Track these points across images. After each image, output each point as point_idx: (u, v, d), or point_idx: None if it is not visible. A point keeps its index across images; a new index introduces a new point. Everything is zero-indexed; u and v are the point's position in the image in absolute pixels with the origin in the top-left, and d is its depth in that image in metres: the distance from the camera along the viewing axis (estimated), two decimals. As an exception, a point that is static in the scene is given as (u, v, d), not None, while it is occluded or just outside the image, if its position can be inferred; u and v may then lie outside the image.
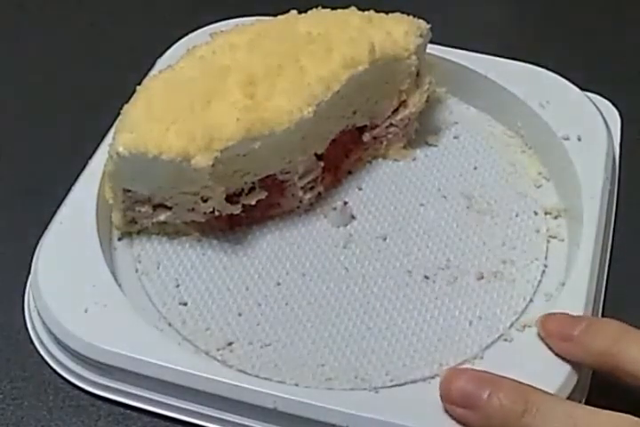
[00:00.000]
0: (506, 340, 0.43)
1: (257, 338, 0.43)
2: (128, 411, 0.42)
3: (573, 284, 0.43)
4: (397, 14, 0.50)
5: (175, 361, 0.40)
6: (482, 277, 0.46)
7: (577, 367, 0.40)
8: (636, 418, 0.35)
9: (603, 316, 0.45)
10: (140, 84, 0.46)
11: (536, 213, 0.49)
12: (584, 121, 0.51)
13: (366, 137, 0.51)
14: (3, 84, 0.59)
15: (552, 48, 0.62)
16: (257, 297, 0.45)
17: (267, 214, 0.49)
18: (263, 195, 0.47)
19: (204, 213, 0.46)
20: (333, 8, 0.49)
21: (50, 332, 0.42)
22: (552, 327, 0.40)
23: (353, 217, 0.49)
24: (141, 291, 0.46)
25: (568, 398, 0.39)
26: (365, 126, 0.51)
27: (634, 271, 0.48)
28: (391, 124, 0.51)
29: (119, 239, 0.48)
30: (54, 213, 0.47)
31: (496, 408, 0.36)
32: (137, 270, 0.47)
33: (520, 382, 0.37)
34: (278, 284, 0.46)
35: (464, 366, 0.42)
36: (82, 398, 0.42)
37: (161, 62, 0.54)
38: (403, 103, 0.51)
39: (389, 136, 0.52)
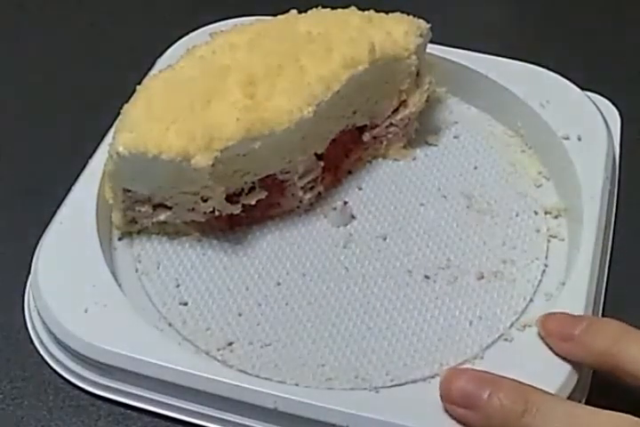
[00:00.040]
0: (506, 340, 0.43)
1: (257, 338, 0.43)
2: (128, 411, 0.42)
3: (574, 283, 0.43)
4: (397, 14, 0.50)
5: (175, 361, 0.40)
6: (482, 277, 0.46)
7: (577, 367, 0.40)
8: (636, 418, 0.35)
9: (603, 316, 0.45)
10: (139, 83, 0.46)
11: (536, 213, 0.49)
12: (584, 121, 0.51)
13: (366, 137, 0.51)
14: (3, 84, 0.59)
15: (552, 48, 0.62)
16: (257, 297, 0.45)
17: (267, 214, 0.49)
18: (263, 195, 0.47)
19: (204, 212, 0.46)
20: (333, 8, 0.49)
21: (50, 332, 0.42)
22: (552, 327, 0.40)
23: (353, 217, 0.49)
24: (141, 291, 0.46)
25: (568, 398, 0.39)
26: (365, 126, 0.51)
27: (634, 271, 0.48)
28: (391, 124, 0.51)
29: (119, 239, 0.48)
30: (54, 213, 0.47)
31: (496, 408, 0.36)
32: (137, 270, 0.47)
33: (520, 382, 0.37)
34: (278, 284, 0.46)
35: (464, 365, 0.42)
36: (82, 398, 0.42)
37: (161, 62, 0.54)
38: (403, 103, 0.51)
39: (389, 136, 0.52)
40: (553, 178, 0.51)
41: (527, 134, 0.53)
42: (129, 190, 0.45)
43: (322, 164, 0.49)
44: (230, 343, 0.43)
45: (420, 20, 0.49)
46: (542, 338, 0.41)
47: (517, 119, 0.53)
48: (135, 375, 0.40)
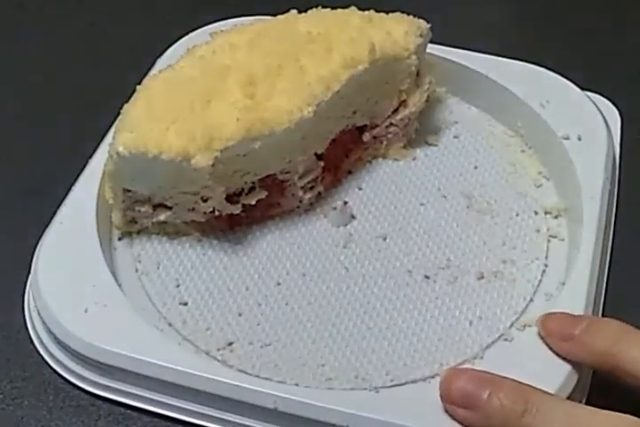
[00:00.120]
0: (506, 340, 0.43)
1: (257, 338, 0.43)
2: (128, 411, 0.42)
3: (574, 283, 0.43)
4: (397, 14, 0.50)
5: (175, 361, 0.40)
6: (482, 277, 0.46)
7: (577, 367, 0.40)
8: (635, 418, 0.35)
9: (603, 315, 0.45)
10: (139, 83, 0.46)
11: (536, 213, 0.49)
12: (584, 121, 0.51)
13: (366, 137, 0.51)
14: (3, 84, 0.59)
15: (552, 48, 0.62)
16: (257, 297, 0.45)
17: (267, 214, 0.49)
18: (263, 195, 0.47)
19: (204, 212, 0.46)
20: (333, 8, 0.49)
21: (50, 332, 0.42)
22: (552, 327, 0.40)
23: (353, 217, 0.49)
24: (141, 291, 0.46)
25: (568, 398, 0.39)
26: (365, 126, 0.51)
27: (634, 271, 0.48)
28: (391, 124, 0.51)
29: (119, 239, 0.48)
30: (54, 213, 0.47)
31: (496, 408, 0.36)
32: (137, 270, 0.47)
33: (520, 382, 0.37)
34: (278, 284, 0.46)
35: (464, 365, 0.42)
36: (82, 398, 0.42)
37: (161, 62, 0.54)
38: (403, 103, 0.51)
39: (389, 136, 0.52)
40: (553, 178, 0.51)
41: (527, 134, 0.53)
42: (129, 190, 0.45)
43: (322, 164, 0.49)
44: (230, 343, 0.43)
45: (420, 20, 0.49)
46: (542, 338, 0.41)
47: (517, 119, 0.53)
48: (135, 375, 0.40)
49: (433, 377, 0.41)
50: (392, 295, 0.45)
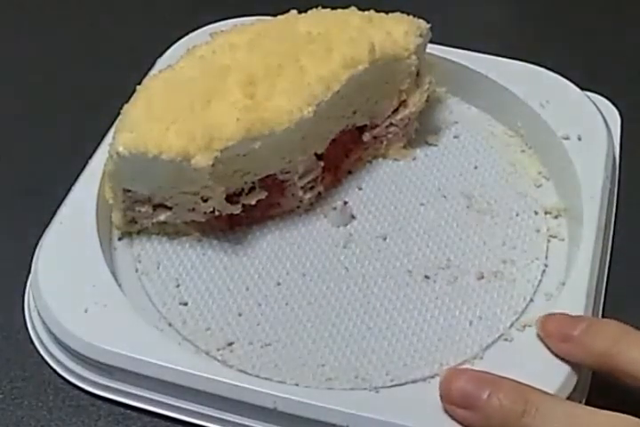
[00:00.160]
0: (506, 340, 0.43)
1: (257, 338, 0.43)
2: (128, 411, 0.42)
3: (574, 283, 0.43)
4: (397, 14, 0.50)
5: (175, 361, 0.40)
6: (482, 277, 0.46)
7: (577, 367, 0.39)
8: (635, 419, 0.35)
9: (603, 316, 0.45)
10: (139, 83, 0.46)
11: (536, 213, 0.49)
12: (584, 121, 0.51)
13: (366, 137, 0.51)
14: (3, 84, 0.59)
15: (552, 48, 0.62)
16: (257, 297, 0.45)
17: (267, 214, 0.49)
18: (263, 195, 0.47)
19: (204, 212, 0.46)
20: (333, 8, 0.49)
21: (50, 332, 0.42)
22: (551, 328, 0.40)
23: (353, 217, 0.49)
24: (141, 291, 0.46)
25: (568, 398, 0.39)
26: (365, 126, 0.51)
27: (634, 271, 0.48)
28: (391, 124, 0.51)
29: (119, 239, 0.48)
30: (54, 213, 0.47)
31: (496, 409, 0.36)
32: (137, 270, 0.47)
33: (520, 383, 0.37)
34: (278, 284, 0.46)
35: (464, 366, 0.42)
36: (82, 398, 0.42)
37: (161, 62, 0.54)
38: (403, 103, 0.51)
39: (389, 136, 0.52)
40: (553, 178, 0.51)
41: (527, 134, 0.53)
42: (129, 190, 0.45)
43: (322, 164, 0.49)
44: (230, 343, 0.43)
45: (420, 20, 0.49)
46: (542, 339, 0.41)
47: (517, 119, 0.53)
48: (135, 375, 0.40)
49: (433, 377, 0.41)
50: (392, 295, 0.45)
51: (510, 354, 0.42)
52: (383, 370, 0.42)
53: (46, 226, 0.46)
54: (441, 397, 0.38)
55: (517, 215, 0.49)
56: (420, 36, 0.48)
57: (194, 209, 0.46)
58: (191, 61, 0.46)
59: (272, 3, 0.53)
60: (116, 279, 0.44)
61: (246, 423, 0.40)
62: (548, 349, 0.40)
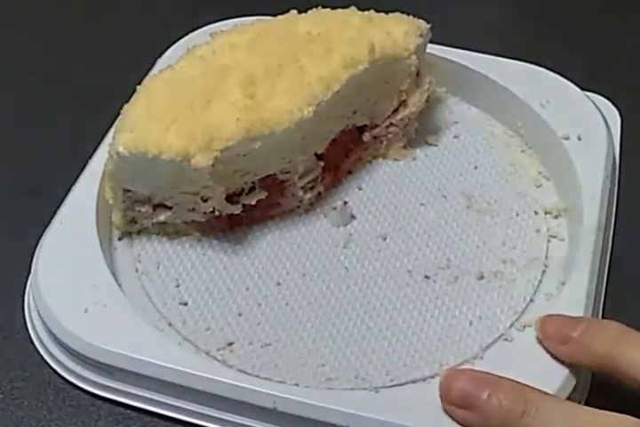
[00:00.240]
0: (506, 340, 0.43)
1: (257, 338, 0.43)
2: (128, 411, 0.42)
3: (573, 283, 0.43)
4: (397, 14, 0.50)
5: (175, 361, 0.40)
6: (482, 277, 0.46)
7: (577, 368, 0.39)
8: (635, 419, 0.35)
9: (603, 316, 0.45)
10: (139, 83, 0.46)
11: (536, 213, 0.49)
12: (584, 121, 0.51)
13: (366, 137, 0.51)
14: (3, 84, 0.59)
15: (552, 48, 0.62)
16: (257, 297, 0.45)
17: (267, 214, 0.49)
18: (263, 195, 0.47)
19: (204, 212, 0.46)
20: (333, 8, 0.49)
21: (50, 332, 0.42)
22: (550, 330, 0.40)
23: (353, 217, 0.49)
24: (141, 291, 0.46)
25: (568, 398, 0.39)
26: (365, 126, 0.51)
27: (634, 271, 0.48)
28: (391, 124, 0.51)
29: (119, 239, 0.48)
30: (54, 213, 0.47)
31: (495, 409, 0.36)
32: (137, 270, 0.47)
33: (519, 383, 0.37)
34: (278, 284, 0.46)
35: (464, 366, 0.42)
36: (82, 398, 0.42)
37: (161, 62, 0.54)
38: (403, 103, 0.51)
39: (389, 136, 0.52)
40: (553, 178, 0.51)
41: (527, 134, 0.53)
42: (129, 190, 0.45)
43: (322, 164, 0.49)
44: (230, 343, 0.43)
45: (420, 20, 0.49)
46: (541, 341, 0.40)
47: (517, 119, 0.53)
48: (135, 375, 0.40)
49: (433, 377, 0.41)
50: (392, 295, 0.45)
51: (510, 354, 0.42)
52: (383, 370, 0.42)
53: (46, 226, 0.46)
54: (441, 397, 0.38)
55: (517, 215, 0.49)
56: (420, 36, 0.48)
57: (194, 209, 0.46)
58: (191, 61, 0.46)
59: (272, 3, 0.53)
60: (116, 279, 0.44)
61: (246, 423, 0.40)
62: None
